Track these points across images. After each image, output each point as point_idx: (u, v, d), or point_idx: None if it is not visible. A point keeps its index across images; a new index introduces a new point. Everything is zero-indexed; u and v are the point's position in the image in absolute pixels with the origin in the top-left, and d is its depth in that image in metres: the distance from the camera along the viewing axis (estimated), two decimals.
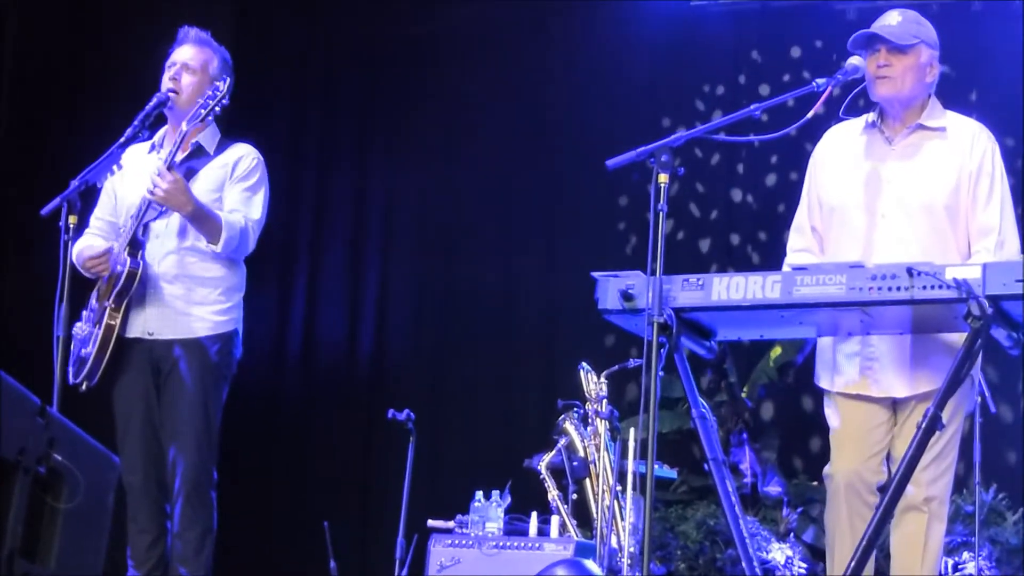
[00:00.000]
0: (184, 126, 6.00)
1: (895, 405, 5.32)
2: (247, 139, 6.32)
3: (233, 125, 6.47)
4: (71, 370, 6.07)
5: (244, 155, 6.26)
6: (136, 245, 6.06)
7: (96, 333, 6.01)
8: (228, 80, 6.00)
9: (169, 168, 5.92)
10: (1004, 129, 7.15)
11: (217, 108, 5.96)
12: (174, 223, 6.08)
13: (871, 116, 5.47)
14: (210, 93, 5.97)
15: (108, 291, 6.03)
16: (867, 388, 5.30)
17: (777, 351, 8.55)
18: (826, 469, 5.46)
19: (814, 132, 5.74)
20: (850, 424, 5.37)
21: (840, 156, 5.51)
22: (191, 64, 6.21)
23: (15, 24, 9.34)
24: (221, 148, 6.25)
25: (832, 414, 5.45)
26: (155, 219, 6.08)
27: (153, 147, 6.28)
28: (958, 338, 4.98)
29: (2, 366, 3.31)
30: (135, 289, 6.02)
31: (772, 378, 8.56)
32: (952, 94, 7.81)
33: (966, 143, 5.37)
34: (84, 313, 6.16)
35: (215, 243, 6.05)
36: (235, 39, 9.29)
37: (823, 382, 5.46)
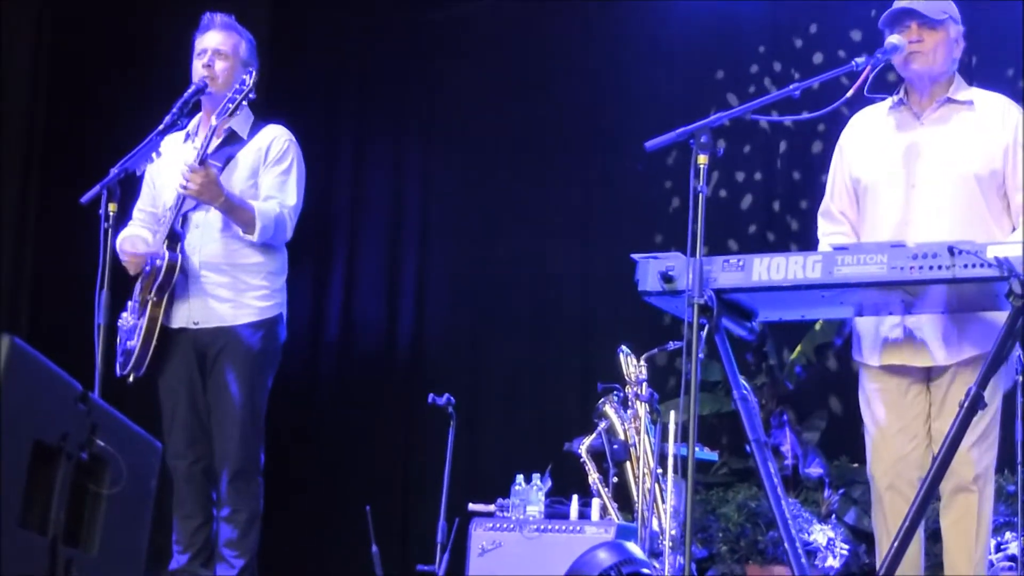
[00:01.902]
0: (213, 120, 6.02)
1: (930, 379, 5.32)
2: (279, 120, 6.32)
3: (270, 109, 6.47)
4: (118, 361, 6.13)
5: (276, 137, 6.28)
6: (175, 237, 6.09)
7: (140, 325, 6.07)
8: (253, 73, 6.01)
9: (202, 162, 5.94)
10: None
11: (244, 102, 5.97)
12: (214, 212, 6.11)
13: (897, 96, 5.47)
14: (237, 87, 5.99)
15: (149, 284, 6.07)
16: (907, 357, 5.29)
17: (797, 352, 8.54)
18: (868, 470, 5.47)
19: (854, 109, 5.72)
20: (883, 399, 5.36)
21: (869, 136, 5.52)
22: (223, 49, 6.24)
23: (51, 13, 9.38)
24: (254, 131, 6.27)
25: (864, 402, 5.44)
26: (194, 209, 6.11)
27: (188, 136, 6.32)
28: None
29: (44, 353, 3.31)
30: (176, 281, 6.05)
31: (812, 360, 8.54)
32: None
33: (997, 115, 5.38)
34: (129, 304, 6.21)
35: (251, 233, 6.09)
36: (271, 25, 9.35)
37: (866, 357, 5.43)
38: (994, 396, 5.08)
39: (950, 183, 5.30)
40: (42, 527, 3.23)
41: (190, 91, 6.17)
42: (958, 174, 5.30)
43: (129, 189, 6.23)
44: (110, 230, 5.83)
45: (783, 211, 9.09)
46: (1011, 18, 8.19)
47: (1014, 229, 5.28)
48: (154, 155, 6.11)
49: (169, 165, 6.22)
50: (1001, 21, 8.26)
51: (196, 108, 6.29)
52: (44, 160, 9.25)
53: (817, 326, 8.31)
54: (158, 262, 6.05)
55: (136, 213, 6.37)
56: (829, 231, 5.55)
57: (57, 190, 8.51)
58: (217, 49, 6.23)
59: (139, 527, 3.69)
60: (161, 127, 6.06)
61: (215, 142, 6.14)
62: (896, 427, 5.34)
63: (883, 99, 5.47)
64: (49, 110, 9.37)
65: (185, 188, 5.94)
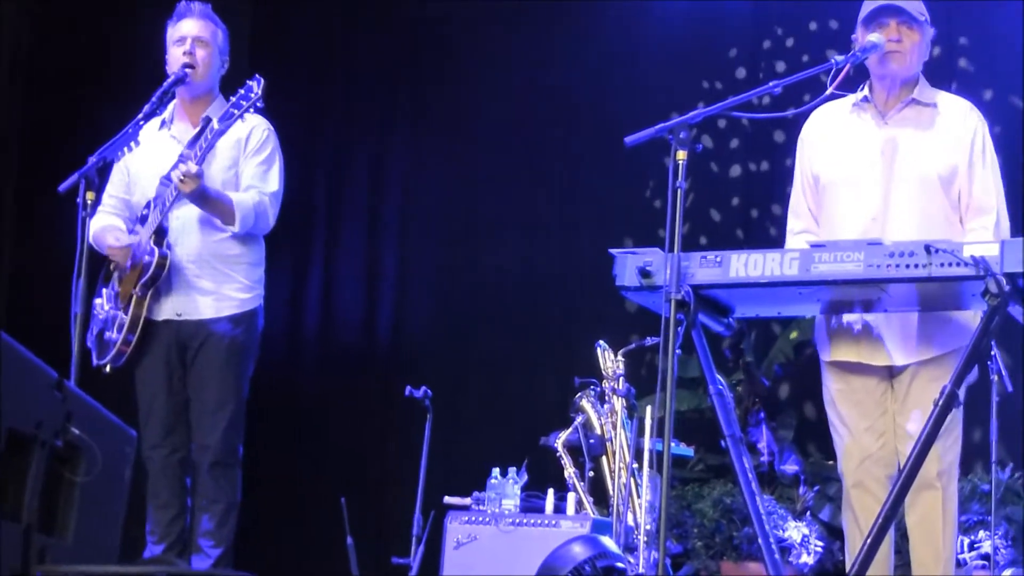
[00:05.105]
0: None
1: (892, 375, 5.34)
2: (262, 111, 6.31)
3: None
4: (93, 350, 6.13)
5: (255, 127, 6.27)
6: (161, 232, 6.09)
7: (123, 319, 6.07)
8: (262, 81, 5.98)
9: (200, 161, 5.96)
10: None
11: (252, 109, 5.96)
12: (194, 206, 6.11)
13: (860, 93, 5.49)
14: (243, 92, 5.97)
15: (134, 279, 6.07)
16: (865, 356, 5.32)
17: (775, 349, 8.57)
18: (838, 468, 5.50)
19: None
20: (848, 398, 5.39)
21: (832, 133, 5.53)
22: (203, 37, 6.25)
23: (34, 4, 9.35)
24: (232, 122, 6.23)
25: (829, 401, 5.47)
26: (175, 202, 6.09)
27: (163, 123, 6.31)
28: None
29: (20, 341, 3.31)
30: (163, 277, 6.06)
31: (789, 356, 8.55)
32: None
33: (958, 118, 5.42)
34: (104, 291, 6.20)
35: (231, 224, 6.09)
36: (254, 15, 9.33)
37: (823, 352, 5.46)
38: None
39: (916, 183, 5.33)
40: (16, 514, 3.23)
41: (170, 80, 6.17)
42: (921, 174, 5.33)
43: (107, 178, 6.22)
44: (88, 218, 5.83)
45: (767, 193, 9.09)
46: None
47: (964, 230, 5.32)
48: (132, 144, 6.10)
49: (145, 153, 6.22)
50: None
51: (171, 95, 6.27)
52: (21, 148, 9.23)
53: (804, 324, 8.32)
54: (147, 258, 6.05)
55: (106, 199, 6.33)
56: (797, 229, 5.57)
57: (35, 178, 8.49)
58: (197, 37, 6.22)
59: (113, 515, 3.69)
60: (140, 116, 6.07)
61: (191, 132, 6.14)
62: (863, 426, 5.37)
63: (844, 95, 5.48)
64: (26, 98, 9.34)
65: (182, 182, 5.91)
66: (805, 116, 5.59)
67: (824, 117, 5.58)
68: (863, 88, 5.50)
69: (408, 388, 6.86)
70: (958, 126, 5.38)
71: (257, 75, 6.01)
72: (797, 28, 9.18)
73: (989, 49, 8.59)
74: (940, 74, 5.68)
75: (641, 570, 6.04)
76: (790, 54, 9.12)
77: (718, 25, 9.36)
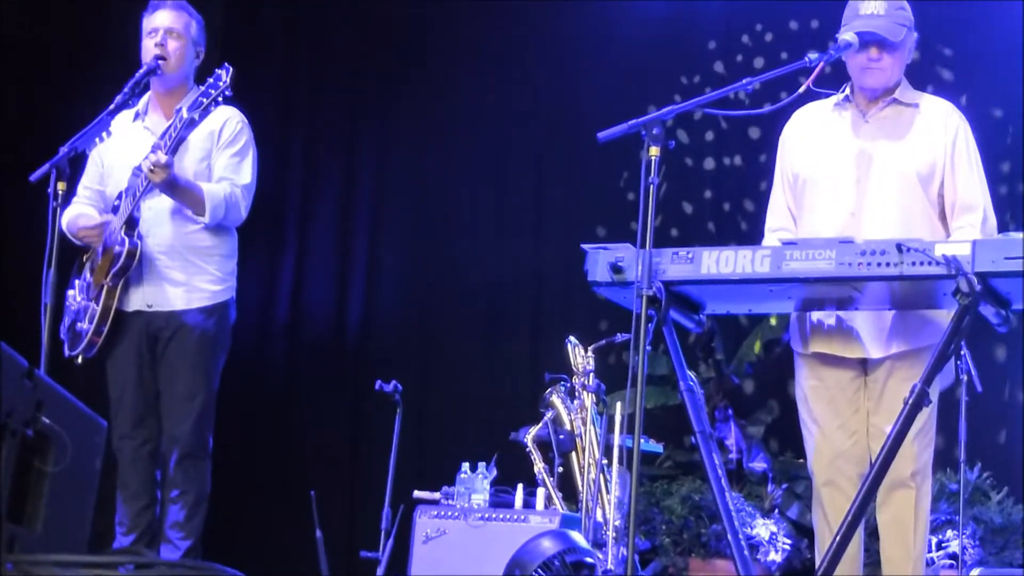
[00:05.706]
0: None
1: (866, 372, 5.35)
2: (234, 103, 6.30)
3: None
4: (65, 341, 6.12)
5: (228, 119, 6.26)
6: (132, 222, 6.08)
7: (94, 309, 6.06)
8: (231, 70, 5.97)
9: (173, 151, 5.95)
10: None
11: (220, 98, 5.95)
12: (166, 197, 6.09)
13: (842, 94, 5.51)
14: (212, 81, 5.96)
15: (105, 269, 6.05)
16: (839, 348, 5.33)
17: (747, 346, 8.59)
18: (808, 465, 5.51)
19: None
20: (822, 395, 5.40)
21: (813, 132, 5.56)
22: (175, 28, 6.22)
23: None
24: (204, 113, 6.22)
25: (802, 398, 5.47)
26: (147, 193, 6.08)
27: (137, 115, 6.30)
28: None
29: None
30: (134, 267, 6.05)
31: (760, 355, 8.57)
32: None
33: (939, 118, 5.44)
34: (77, 282, 6.19)
35: (201, 215, 6.08)
36: (225, 6, 9.31)
37: (799, 344, 5.47)
38: (933, 393, 5.12)
39: (894, 181, 5.34)
40: None
41: (142, 71, 6.15)
42: (900, 173, 5.35)
43: (78, 168, 6.21)
44: (58, 209, 5.82)
45: (740, 187, 9.10)
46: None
47: (948, 233, 5.33)
48: (104, 134, 6.09)
49: (119, 144, 6.21)
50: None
51: (145, 87, 6.26)
52: None
53: (773, 320, 8.34)
54: (117, 248, 6.04)
55: (81, 190, 6.33)
56: (774, 227, 5.59)
57: (4, 168, 8.45)
58: (169, 28, 6.20)
59: (83, 505, 3.68)
60: (112, 107, 6.06)
61: (165, 124, 6.12)
62: (835, 424, 5.38)
63: (828, 95, 5.49)
64: None
65: (152, 172, 5.91)
66: (780, 113, 5.59)
67: (806, 117, 5.60)
68: (845, 88, 5.51)
69: (378, 382, 6.85)
70: (938, 126, 5.40)
71: (225, 63, 6.00)
72: (776, 23, 9.20)
73: (968, 57, 8.62)
74: (918, 80, 5.67)
75: (610, 566, 6.04)
76: (769, 49, 9.14)
77: (696, 18, 9.37)
